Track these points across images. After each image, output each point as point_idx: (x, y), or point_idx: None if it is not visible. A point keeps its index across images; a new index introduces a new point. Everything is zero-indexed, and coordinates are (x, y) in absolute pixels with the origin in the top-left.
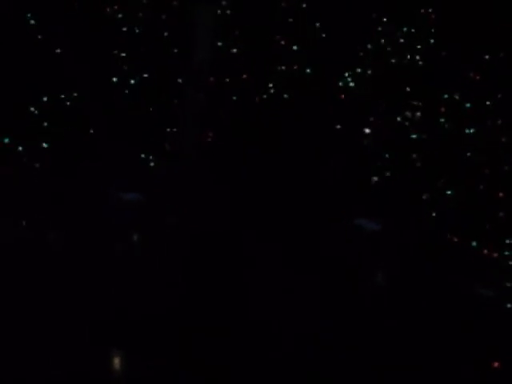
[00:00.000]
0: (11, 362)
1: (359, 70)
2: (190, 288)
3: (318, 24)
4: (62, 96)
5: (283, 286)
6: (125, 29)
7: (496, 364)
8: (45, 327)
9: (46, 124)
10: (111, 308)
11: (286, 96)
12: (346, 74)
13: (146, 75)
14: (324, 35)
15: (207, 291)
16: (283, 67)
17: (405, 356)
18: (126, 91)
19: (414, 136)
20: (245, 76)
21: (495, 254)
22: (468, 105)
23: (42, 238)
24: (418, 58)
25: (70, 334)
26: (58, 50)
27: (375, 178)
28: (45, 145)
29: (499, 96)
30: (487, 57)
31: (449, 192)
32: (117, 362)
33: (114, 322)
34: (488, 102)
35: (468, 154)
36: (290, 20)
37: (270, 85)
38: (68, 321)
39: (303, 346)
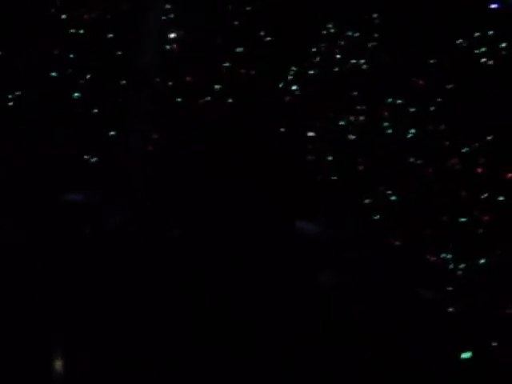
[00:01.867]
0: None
1: (303, 73)
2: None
3: (262, 27)
4: (8, 96)
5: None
6: (71, 30)
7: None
8: None
9: None
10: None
11: (230, 99)
12: (291, 77)
13: (90, 76)
14: (269, 38)
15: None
16: (227, 69)
17: (340, 357)
18: (73, 93)
19: (356, 139)
20: (189, 78)
21: (434, 258)
22: (411, 109)
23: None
24: (362, 61)
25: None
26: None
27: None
28: None
29: (441, 100)
30: (431, 61)
31: (390, 195)
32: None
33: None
34: (432, 107)
35: (410, 157)
36: (235, 22)
37: (216, 87)
38: None
39: None
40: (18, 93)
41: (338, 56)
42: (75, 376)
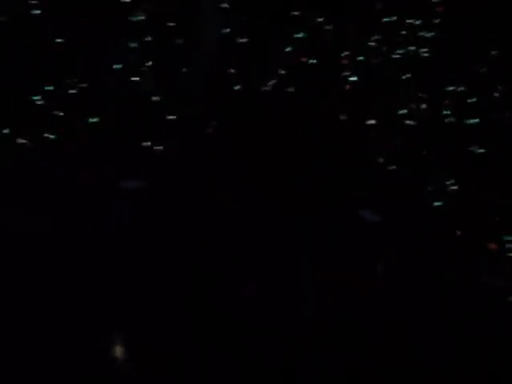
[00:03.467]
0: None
1: (364, 62)
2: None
3: (321, 14)
4: (66, 84)
5: (293, 277)
6: (129, 16)
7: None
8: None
9: (48, 113)
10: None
11: (289, 88)
12: (352, 66)
13: (150, 63)
14: (328, 26)
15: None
16: (286, 56)
17: (407, 347)
18: (131, 78)
19: (417, 127)
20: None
21: (495, 246)
22: (472, 97)
23: (47, 227)
24: (423, 50)
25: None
26: (62, 40)
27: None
28: (50, 135)
29: (504, 88)
30: (492, 50)
31: (451, 183)
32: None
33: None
34: (495, 94)
35: (471, 145)
36: (297, 9)
37: (281, 71)
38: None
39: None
40: (83, 85)
41: (399, 43)
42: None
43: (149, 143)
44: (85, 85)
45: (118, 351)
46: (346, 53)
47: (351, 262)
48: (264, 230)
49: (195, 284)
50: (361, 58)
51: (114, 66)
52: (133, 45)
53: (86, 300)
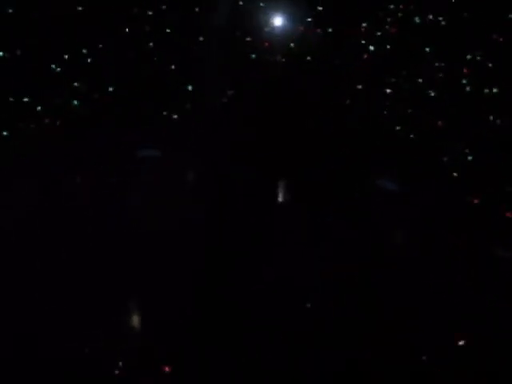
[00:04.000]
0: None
1: (380, 30)
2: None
3: None
4: (83, 52)
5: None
6: None
7: None
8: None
9: (67, 82)
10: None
11: (305, 57)
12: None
13: (168, 30)
14: None
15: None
16: (301, 28)
17: (420, 315)
18: (149, 45)
19: (434, 97)
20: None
21: None
22: (490, 65)
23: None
24: (440, 18)
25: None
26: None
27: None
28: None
29: None
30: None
31: (468, 153)
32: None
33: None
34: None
35: (489, 115)
36: None
37: (291, 45)
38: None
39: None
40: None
41: (415, 12)
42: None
43: (165, 113)
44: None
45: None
46: (363, 24)
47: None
48: (284, 199)
49: (205, 271)
50: (375, 28)
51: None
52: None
53: (93, 285)
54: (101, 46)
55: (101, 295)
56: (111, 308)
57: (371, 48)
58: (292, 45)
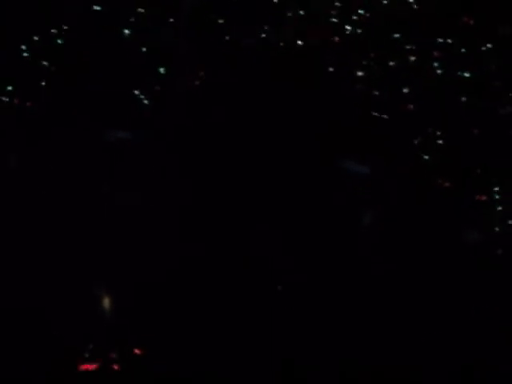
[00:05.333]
0: None
1: (350, 15)
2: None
3: None
4: (53, 32)
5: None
6: None
7: None
8: None
9: (37, 62)
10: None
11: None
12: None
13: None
14: None
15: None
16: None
17: (391, 296)
18: (121, 30)
19: (406, 80)
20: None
21: (485, 198)
22: (463, 49)
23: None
24: (411, 1)
25: None
26: None
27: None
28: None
29: (492, 41)
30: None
31: (439, 136)
32: None
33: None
34: (483, 48)
35: (461, 98)
36: None
37: (265, 28)
38: None
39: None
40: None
41: None
42: None
43: (137, 93)
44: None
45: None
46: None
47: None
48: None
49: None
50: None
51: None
52: None
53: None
54: (68, 27)
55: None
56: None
57: (345, 29)
58: (266, 27)
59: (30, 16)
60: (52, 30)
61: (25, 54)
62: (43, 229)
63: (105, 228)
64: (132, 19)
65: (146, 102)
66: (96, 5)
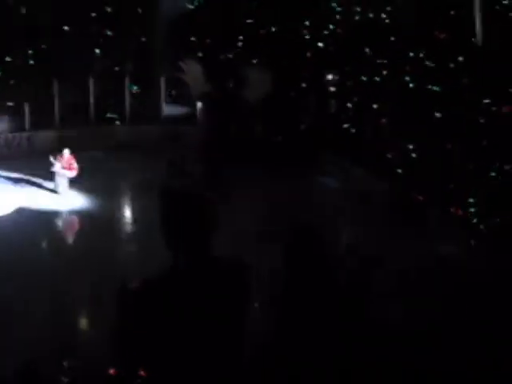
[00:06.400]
0: None
1: (323, 28)
2: None
3: None
4: None
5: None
6: None
7: None
8: None
9: None
10: None
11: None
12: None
13: None
14: None
15: None
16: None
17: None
18: None
19: (378, 94)
20: None
21: (460, 213)
22: (432, 64)
23: None
24: (383, 16)
25: None
26: None
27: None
28: None
29: (462, 56)
30: (452, 13)
31: (412, 150)
32: None
33: None
34: (451, 64)
35: (435, 113)
36: None
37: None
38: None
39: None
40: None
41: (357, 10)
42: None
43: None
44: None
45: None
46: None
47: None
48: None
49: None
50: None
51: None
52: None
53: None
54: None
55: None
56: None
57: (317, 45)
58: (240, 44)
59: None
60: None
61: None
62: None
63: None
64: None
65: None
66: None
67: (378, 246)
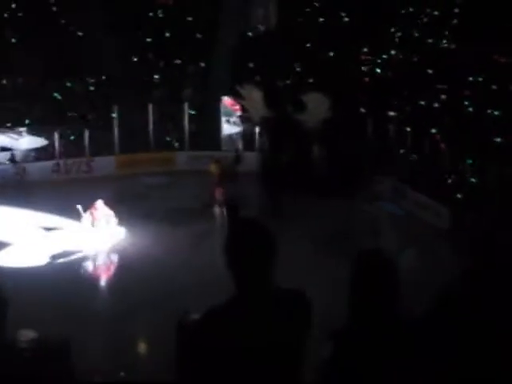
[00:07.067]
0: None
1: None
2: None
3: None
4: None
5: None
6: None
7: None
8: None
9: None
10: None
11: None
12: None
13: None
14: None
15: None
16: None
17: None
18: None
19: (438, 118)
20: None
21: None
22: (492, 88)
23: None
24: (443, 41)
25: None
26: None
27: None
28: None
29: None
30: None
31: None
32: None
33: None
34: None
35: (497, 137)
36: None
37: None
38: None
39: None
40: None
41: (417, 35)
42: None
43: None
44: None
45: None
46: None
47: None
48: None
49: None
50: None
51: None
52: None
53: None
54: None
55: None
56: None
57: (375, 71)
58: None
59: None
60: None
61: None
62: None
63: None
64: None
65: None
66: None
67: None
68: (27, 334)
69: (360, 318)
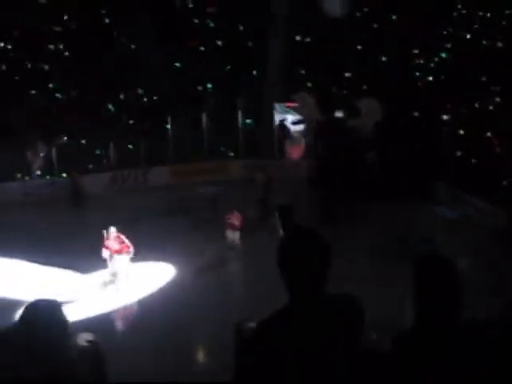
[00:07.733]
0: None
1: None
2: None
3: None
4: None
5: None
6: None
7: None
8: None
9: None
10: None
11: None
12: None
13: None
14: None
15: None
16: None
17: None
18: None
19: (492, 121)
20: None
21: None
22: None
23: None
24: (499, 44)
25: None
26: None
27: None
28: None
29: None
30: None
31: None
32: None
33: None
34: None
35: None
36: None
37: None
38: None
39: None
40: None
41: (468, 37)
42: None
43: None
44: None
45: None
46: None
47: None
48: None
49: None
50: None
51: None
52: None
53: None
54: None
55: None
56: None
57: (428, 76)
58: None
59: None
60: None
61: None
62: None
63: None
64: None
65: None
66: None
67: None
68: None
69: (423, 324)
